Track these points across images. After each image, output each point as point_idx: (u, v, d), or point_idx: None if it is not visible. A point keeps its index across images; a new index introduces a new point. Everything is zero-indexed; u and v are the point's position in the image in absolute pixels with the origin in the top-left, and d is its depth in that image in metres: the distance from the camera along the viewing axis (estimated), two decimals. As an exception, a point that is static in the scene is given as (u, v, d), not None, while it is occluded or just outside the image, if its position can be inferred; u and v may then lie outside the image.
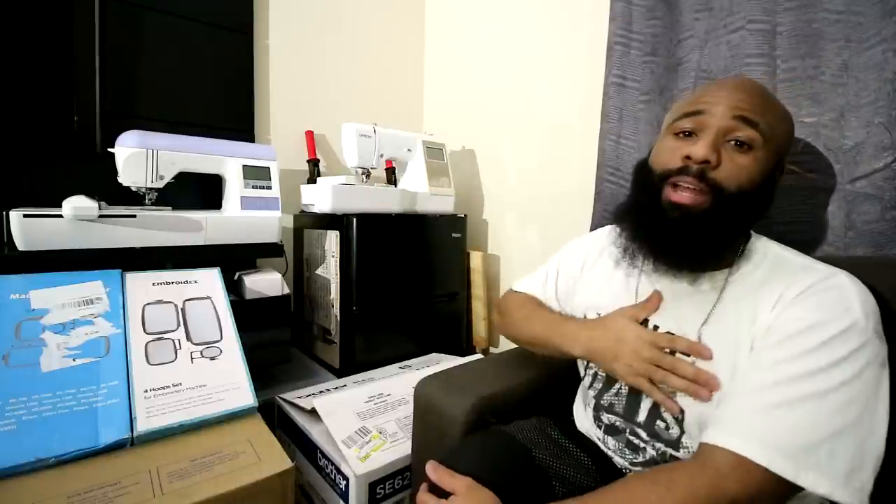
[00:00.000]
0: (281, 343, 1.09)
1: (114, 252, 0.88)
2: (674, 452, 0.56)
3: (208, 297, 0.89)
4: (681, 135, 0.55)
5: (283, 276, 1.11)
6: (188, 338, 0.82)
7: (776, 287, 0.50)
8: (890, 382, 0.44)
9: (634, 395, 0.60)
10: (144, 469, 0.64)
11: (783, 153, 0.55)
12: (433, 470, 0.56)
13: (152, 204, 0.98)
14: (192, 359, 0.80)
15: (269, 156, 1.10)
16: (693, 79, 0.89)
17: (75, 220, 0.84)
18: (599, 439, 0.66)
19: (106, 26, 1.07)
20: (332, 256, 1.21)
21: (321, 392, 0.98)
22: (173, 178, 0.98)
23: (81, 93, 1.05)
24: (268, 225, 1.07)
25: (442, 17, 1.69)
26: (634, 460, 0.60)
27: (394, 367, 1.18)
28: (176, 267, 0.92)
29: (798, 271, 0.51)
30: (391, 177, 1.52)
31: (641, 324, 0.59)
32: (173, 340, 0.81)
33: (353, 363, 1.18)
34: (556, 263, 0.77)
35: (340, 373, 1.19)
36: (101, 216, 0.86)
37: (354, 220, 1.16)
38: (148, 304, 0.84)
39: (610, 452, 0.64)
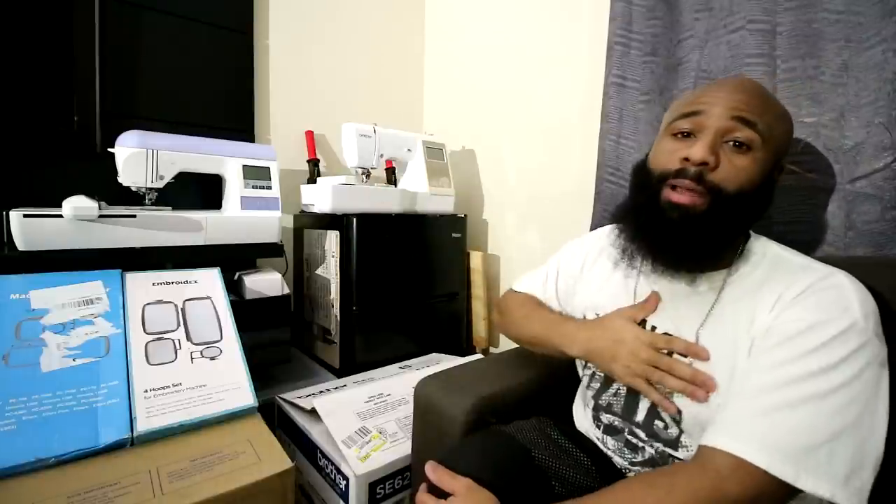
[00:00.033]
0: (281, 343, 1.09)
1: (114, 252, 0.88)
2: (673, 452, 0.56)
3: (208, 297, 0.89)
4: (679, 135, 0.55)
5: (283, 276, 1.11)
6: (188, 338, 0.82)
7: (775, 287, 0.50)
8: (890, 382, 0.44)
9: (633, 395, 0.60)
10: (144, 469, 0.64)
11: (782, 153, 0.55)
12: (432, 470, 0.56)
13: (152, 204, 0.98)
14: (192, 359, 0.80)
15: (269, 156, 1.10)
16: (693, 79, 0.89)
17: (75, 220, 0.84)
18: (599, 439, 0.66)
19: (106, 26, 1.07)
20: (332, 256, 1.21)
21: (321, 392, 0.98)
22: (173, 178, 0.98)
23: (81, 93, 1.05)
24: (268, 225, 1.07)
25: (442, 17, 1.69)
26: (634, 460, 0.60)
27: (394, 367, 1.18)
28: (176, 267, 0.92)
29: (797, 271, 0.51)
30: (391, 177, 1.52)
31: (639, 324, 0.59)
32: (173, 340, 0.81)
33: (353, 363, 1.18)
34: (556, 263, 0.77)
35: (340, 373, 1.19)
36: (101, 216, 0.86)
37: (354, 220, 1.16)
38: (148, 304, 0.84)
39: (609, 452, 0.64)
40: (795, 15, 0.76)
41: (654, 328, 0.58)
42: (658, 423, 0.57)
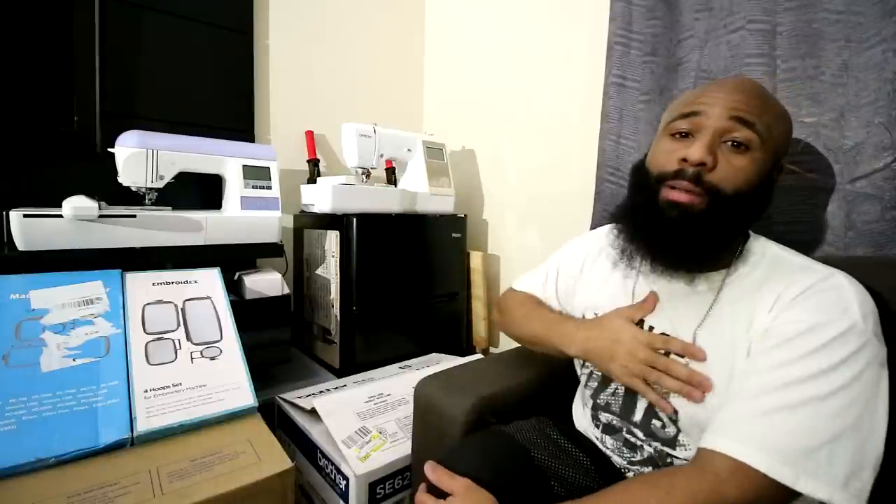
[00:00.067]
0: (281, 343, 1.09)
1: (114, 252, 0.88)
2: (671, 451, 0.56)
3: (208, 297, 0.89)
4: (677, 136, 0.55)
5: (283, 276, 1.11)
6: (188, 338, 0.82)
7: (774, 288, 0.50)
8: (889, 383, 0.44)
9: (631, 394, 0.60)
10: (144, 469, 0.64)
11: (781, 153, 0.55)
12: (432, 470, 0.56)
13: (152, 204, 0.98)
14: (192, 359, 0.80)
15: (269, 156, 1.11)
16: (693, 79, 0.89)
17: (75, 220, 0.84)
18: (598, 438, 0.66)
19: (106, 26, 1.07)
20: (332, 256, 1.21)
21: (321, 392, 0.98)
22: (173, 178, 0.98)
23: (81, 93, 1.05)
24: (268, 225, 1.07)
25: (442, 17, 1.69)
26: (633, 459, 0.60)
27: (394, 367, 1.18)
28: (176, 267, 0.92)
29: (796, 272, 0.51)
30: (391, 177, 1.52)
31: (638, 324, 0.59)
32: (173, 340, 0.81)
33: (353, 363, 1.18)
34: (557, 263, 0.77)
35: (340, 373, 1.19)
36: (101, 216, 0.86)
37: (354, 220, 1.16)
38: (148, 304, 0.84)
39: (608, 452, 0.64)
40: (795, 15, 0.76)
41: (651, 328, 0.58)
42: (655, 422, 0.57)
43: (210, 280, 0.92)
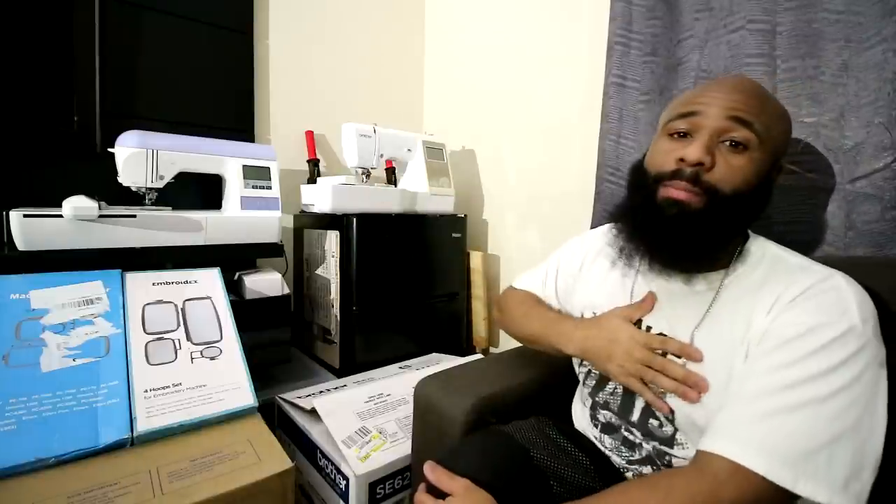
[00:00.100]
0: (281, 343, 1.09)
1: (114, 252, 0.88)
2: (668, 449, 0.56)
3: (208, 297, 0.89)
4: (675, 136, 0.55)
5: (283, 276, 1.11)
6: (188, 338, 0.82)
7: (773, 289, 0.50)
8: (889, 383, 0.44)
9: (629, 394, 0.60)
10: (144, 469, 0.64)
11: (780, 153, 0.55)
12: (431, 470, 0.56)
13: (152, 204, 0.98)
14: (192, 359, 0.80)
15: (269, 156, 1.11)
16: (693, 79, 0.89)
17: (75, 220, 0.84)
18: (596, 438, 0.66)
19: (106, 26, 1.07)
20: (332, 256, 1.21)
21: (321, 392, 0.98)
22: (173, 178, 0.98)
23: (81, 93, 1.05)
24: (268, 225, 1.07)
25: (442, 17, 1.69)
26: (631, 458, 0.60)
27: (394, 367, 1.18)
28: (176, 267, 0.92)
29: (795, 272, 0.50)
30: (391, 177, 1.52)
31: (635, 324, 0.59)
32: (173, 340, 0.81)
33: (353, 363, 1.18)
34: (556, 262, 0.77)
35: (340, 373, 1.19)
36: (101, 216, 0.86)
37: (354, 220, 1.16)
38: (148, 304, 0.84)
39: (607, 451, 0.64)
40: (795, 15, 0.76)
41: (649, 328, 0.58)
42: (653, 421, 0.57)
43: (210, 280, 0.92)
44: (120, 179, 0.94)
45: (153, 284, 0.87)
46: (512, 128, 1.43)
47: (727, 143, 0.51)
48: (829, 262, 0.52)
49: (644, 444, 0.59)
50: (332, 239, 1.20)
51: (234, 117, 1.29)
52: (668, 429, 0.56)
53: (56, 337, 0.73)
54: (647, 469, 0.59)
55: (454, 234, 1.39)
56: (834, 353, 0.43)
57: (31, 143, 1.01)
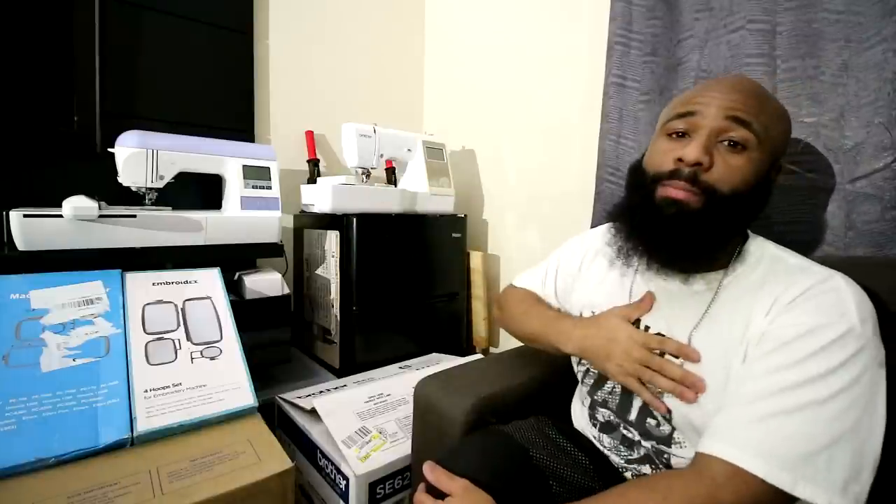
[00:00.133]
0: (281, 343, 1.09)
1: (114, 252, 0.88)
2: (666, 448, 0.56)
3: (208, 297, 0.89)
4: (674, 136, 0.55)
5: (283, 276, 1.11)
6: (188, 338, 0.82)
7: (772, 290, 0.49)
8: (888, 384, 0.44)
9: (627, 393, 0.60)
10: (144, 469, 0.64)
11: (779, 153, 0.55)
12: (430, 471, 0.56)
13: (152, 204, 0.98)
14: (192, 359, 0.80)
15: (269, 156, 1.11)
16: (693, 79, 0.89)
17: (75, 220, 0.84)
18: (595, 437, 0.66)
19: (106, 26, 1.07)
20: (332, 256, 1.21)
21: (321, 392, 0.98)
22: (173, 178, 0.98)
23: (81, 93, 1.05)
24: (268, 225, 1.07)
25: (442, 17, 1.69)
26: (630, 457, 0.61)
27: (394, 367, 1.18)
28: (176, 267, 0.92)
29: (794, 273, 0.50)
30: (391, 177, 1.52)
31: (634, 324, 0.59)
32: (173, 340, 0.81)
33: (353, 363, 1.18)
34: (556, 260, 0.77)
35: (340, 373, 1.19)
36: (101, 216, 0.86)
37: (354, 220, 1.16)
38: (148, 304, 0.84)
39: (606, 450, 0.64)
40: (795, 15, 0.76)
41: (647, 328, 0.59)
42: (650, 420, 0.57)
43: (210, 280, 0.92)
44: (120, 179, 0.94)
45: (153, 284, 0.87)
46: (512, 128, 1.43)
47: (725, 142, 0.51)
48: (828, 262, 0.52)
49: (642, 443, 0.59)
50: (332, 239, 1.20)
51: (234, 117, 1.29)
52: (666, 428, 0.56)
53: (56, 337, 0.73)
54: (645, 468, 0.59)
55: (454, 234, 1.39)
56: (833, 355, 0.43)
57: (31, 143, 1.01)
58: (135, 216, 0.90)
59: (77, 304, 0.78)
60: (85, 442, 0.65)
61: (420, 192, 1.34)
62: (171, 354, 0.79)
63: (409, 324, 1.31)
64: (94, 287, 0.81)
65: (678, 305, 0.57)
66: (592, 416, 0.67)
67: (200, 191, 1.16)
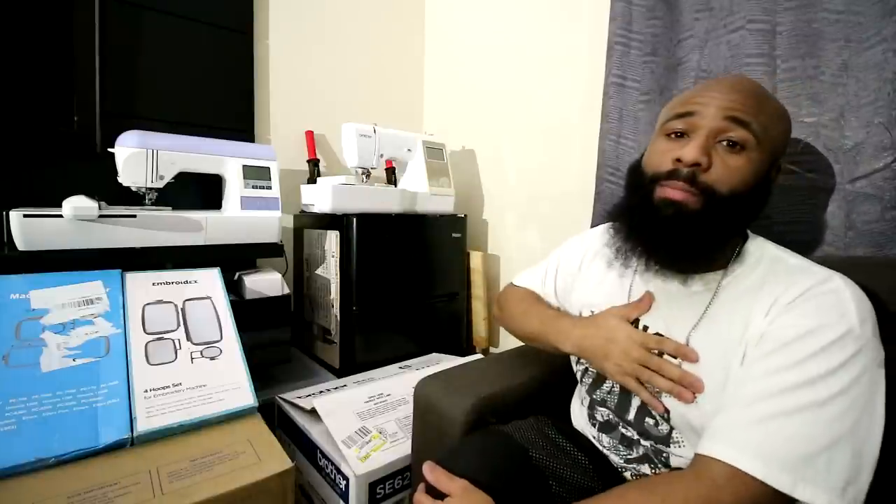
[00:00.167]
0: (281, 343, 1.09)
1: (114, 252, 0.88)
2: (665, 448, 0.56)
3: (208, 297, 0.89)
4: (672, 136, 0.55)
5: (283, 276, 1.11)
6: (188, 338, 0.82)
7: (771, 291, 0.49)
8: (887, 384, 0.44)
9: (626, 392, 0.60)
10: (144, 469, 0.64)
11: (779, 153, 0.55)
12: (430, 471, 0.56)
13: (152, 204, 0.98)
14: (192, 359, 0.80)
15: (269, 156, 1.11)
16: (693, 79, 0.89)
17: (75, 220, 0.84)
18: (594, 437, 0.66)
19: (106, 26, 1.07)
20: (332, 256, 1.21)
21: (321, 392, 0.98)
22: (173, 178, 0.98)
23: (81, 93, 1.05)
24: (268, 225, 1.07)
25: (442, 17, 1.69)
26: (629, 457, 0.61)
27: (394, 367, 1.18)
28: (176, 267, 0.92)
29: (794, 274, 0.50)
30: (391, 177, 1.52)
31: (633, 324, 0.59)
32: (173, 340, 0.81)
33: (353, 363, 1.18)
34: (556, 260, 0.77)
35: (340, 373, 1.19)
36: (101, 216, 0.86)
37: (354, 220, 1.16)
38: (148, 304, 0.84)
39: (605, 450, 0.64)
40: (795, 15, 0.76)
41: (646, 328, 0.59)
42: (649, 420, 0.57)
43: (210, 280, 0.92)
44: (120, 179, 0.94)
45: (153, 284, 0.87)
46: (512, 128, 1.43)
47: (724, 143, 0.51)
48: (828, 262, 0.52)
49: (641, 442, 0.59)
50: (332, 239, 1.20)
51: (234, 117, 1.29)
52: (664, 428, 0.56)
53: (56, 337, 0.73)
54: (644, 467, 0.59)
55: (454, 234, 1.39)
56: (833, 356, 0.43)
57: (31, 143, 1.01)
58: (135, 216, 0.90)
59: (77, 304, 0.78)
60: (85, 442, 0.65)
61: (420, 192, 1.34)
62: (171, 354, 0.79)
63: (409, 324, 1.31)
64: (94, 287, 0.81)
65: (677, 306, 0.57)
66: (591, 416, 0.67)
67: (200, 191, 1.16)
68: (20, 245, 0.81)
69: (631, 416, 0.60)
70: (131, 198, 0.97)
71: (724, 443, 0.44)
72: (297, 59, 1.42)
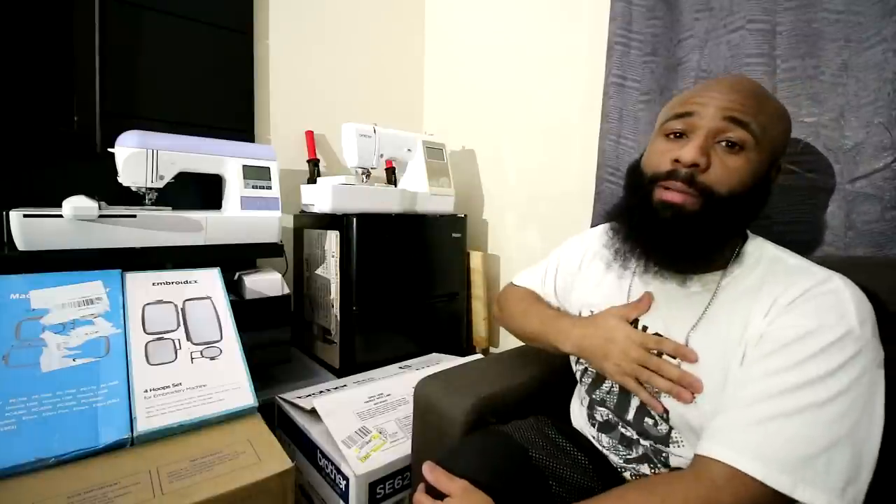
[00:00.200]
0: (281, 343, 1.10)
1: (114, 252, 0.88)
2: (664, 448, 0.56)
3: (208, 297, 0.89)
4: (671, 136, 0.55)
5: (283, 276, 1.11)
6: (188, 338, 0.82)
7: (770, 291, 0.49)
8: (887, 385, 0.44)
9: (625, 392, 0.60)
10: (144, 469, 0.64)
11: (779, 153, 0.55)
12: (430, 471, 0.56)
13: (152, 204, 0.98)
14: (192, 359, 0.80)
15: (269, 156, 1.11)
16: (693, 79, 0.89)
17: (75, 220, 0.84)
18: (594, 437, 0.66)
19: (106, 26, 1.07)
20: (332, 256, 1.21)
21: (321, 392, 0.98)
22: (173, 178, 0.98)
23: (81, 93, 1.05)
24: (268, 225, 1.07)
25: (442, 17, 1.69)
26: (629, 456, 0.61)
27: (394, 367, 1.18)
28: (176, 267, 0.92)
29: (793, 274, 0.50)
30: (391, 177, 1.52)
31: (632, 324, 0.59)
32: (173, 340, 0.81)
33: (353, 363, 1.18)
34: (556, 259, 0.77)
35: (340, 373, 1.19)
36: (101, 216, 0.86)
37: (354, 220, 1.16)
38: (148, 304, 0.84)
39: (605, 450, 0.64)
40: (795, 15, 0.76)
41: (645, 328, 0.59)
42: (648, 420, 0.57)
43: (210, 280, 0.92)
44: (120, 179, 0.94)
45: (153, 284, 0.87)
46: (512, 128, 1.43)
47: (723, 143, 0.51)
48: (828, 262, 0.52)
49: (641, 442, 0.59)
50: (332, 239, 1.20)
51: (234, 117, 1.29)
52: (663, 427, 0.56)
53: (56, 337, 0.73)
54: (644, 467, 0.59)
55: (454, 234, 1.39)
56: (832, 357, 0.43)
57: (31, 143, 1.01)
58: (135, 216, 0.90)
59: (77, 304, 0.78)
60: (85, 442, 0.65)
61: (420, 192, 1.34)
62: (171, 354, 0.79)
63: (409, 324, 1.31)
64: (94, 287, 0.81)
65: (676, 306, 0.57)
66: (591, 416, 0.67)
67: (200, 191, 1.16)
68: (20, 245, 0.81)
69: (630, 416, 0.60)
70: (131, 198, 0.97)
71: (724, 444, 0.44)
72: (297, 59, 1.42)
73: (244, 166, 1.05)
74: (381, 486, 0.79)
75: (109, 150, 0.94)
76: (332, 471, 0.81)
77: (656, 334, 0.57)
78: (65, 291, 0.79)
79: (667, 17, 0.94)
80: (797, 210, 0.75)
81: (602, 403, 0.64)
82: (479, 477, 0.54)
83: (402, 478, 0.81)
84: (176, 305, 0.86)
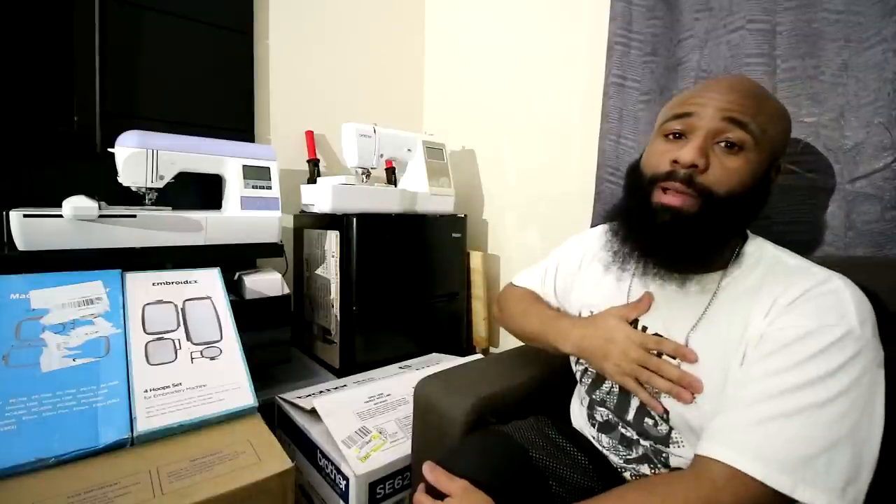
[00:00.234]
0: (281, 343, 1.10)
1: (114, 252, 0.88)
2: (664, 448, 0.56)
3: (208, 297, 0.89)
4: (670, 137, 0.54)
5: (283, 276, 1.11)
6: (188, 338, 0.82)
7: (770, 291, 0.49)
8: (887, 385, 0.44)
9: (625, 393, 0.60)
10: (144, 469, 0.64)
11: (779, 153, 0.54)
12: (430, 471, 0.56)
13: (152, 204, 0.98)
14: (192, 359, 0.80)
15: (269, 156, 1.11)
16: (693, 79, 0.89)
17: (75, 220, 0.84)
18: (594, 437, 0.66)
19: (106, 26, 1.07)
20: (332, 256, 1.21)
21: (321, 392, 0.98)
22: (173, 178, 0.98)
23: (81, 93, 1.05)
24: (268, 225, 1.07)
25: (442, 17, 1.69)
26: (629, 457, 0.61)
27: (394, 367, 1.18)
28: (176, 267, 0.92)
29: (793, 274, 0.50)
30: (391, 177, 1.52)
31: (632, 324, 0.59)
32: (173, 340, 0.81)
33: (353, 363, 1.18)
34: (556, 259, 0.77)
35: (340, 373, 1.19)
36: (101, 216, 0.86)
37: (354, 220, 1.16)
38: (148, 304, 0.84)
39: (605, 450, 0.64)
40: (795, 15, 0.76)
41: (644, 328, 0.59)
42: (648, 420, 0.57)
43: (210, 280, 0.92)
44: (120, 179, 0.94)
45: (153, 284, 0.87)
46: (512, 128, 1.43)
47: (722, 144, 0.51)
48: (828, 262, 0.52)
49: (641, 442, 0.59)
50: (332, 239, 1.20)
51: (234, 117, 1.29)
52: (663, 428, 0.56)
53: (56, 337, 0.73)
54: (644, 468, 0.59)
55: (454, 234, 1.39)
56: (832, 358, 0.43)
57: (31, 143, 1.01)
58: (135, 216, 0.91)
59: (77, 304, 0.78)
60: (85, 442, 0.65)
61: (420, 192, 1.34)
62: (171, 354, 0.79)
63: (409, 324, 1.31)
64: (94, 287, 0.81)
65: (676, 307, 0.57)
66: (591, 416, 0.67)
67: (200, 191, 1.16)
68: (20, 245, 0.81)
69: (630, 416, 0.60)
70: (131, 198, 0.97)
71: (724, 444, 0.44)
72: (297, 59, 1.42)
73: (244, 166, 1.05)
74: (381, 486, 0.79)
75: (109, 150, 0.94)
76: (332, 471, 0.81)
77: (656, 335, 0.57)
78: (65, 291, 0.79)
79: (667, 17, 0.94)
80: (797, 210, 0.75)
81: (602, 404, 0.64)
82: (479, 477, 0.54)
83: (402, 478, 0.81)
84: (176, 305, 0.86)
